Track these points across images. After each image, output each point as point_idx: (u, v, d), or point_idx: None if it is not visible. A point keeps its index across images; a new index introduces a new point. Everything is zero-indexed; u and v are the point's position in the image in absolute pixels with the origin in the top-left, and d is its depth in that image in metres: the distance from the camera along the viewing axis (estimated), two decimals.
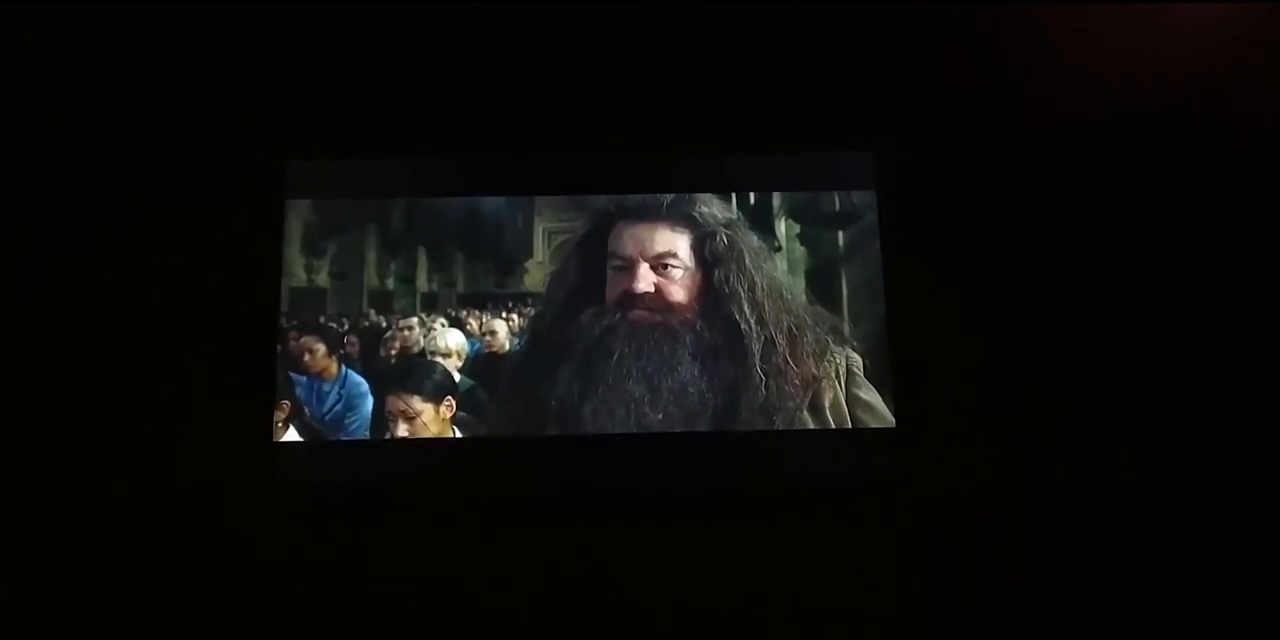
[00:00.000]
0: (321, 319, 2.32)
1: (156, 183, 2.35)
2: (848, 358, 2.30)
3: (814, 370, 2.28)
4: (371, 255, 2.37)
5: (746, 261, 2.31)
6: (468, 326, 2.33)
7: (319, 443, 2.25)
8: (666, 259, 2.31)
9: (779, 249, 2.39)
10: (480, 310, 2.34)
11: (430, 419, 2.26)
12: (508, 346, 2.33)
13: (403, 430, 2.25)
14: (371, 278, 2.36)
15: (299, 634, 2.17)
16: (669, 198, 2.35)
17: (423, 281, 2.37)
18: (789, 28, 2.48)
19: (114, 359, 2.26)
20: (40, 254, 2.30)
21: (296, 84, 2.42)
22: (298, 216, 2.36)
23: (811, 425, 2.26)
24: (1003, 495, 2.26)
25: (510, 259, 2.38)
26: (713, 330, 2.28)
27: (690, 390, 2.25)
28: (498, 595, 2.19)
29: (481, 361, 2.31)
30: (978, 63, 2.47)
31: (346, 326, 2.32)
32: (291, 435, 2.25)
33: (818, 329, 2.31)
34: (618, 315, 2.28)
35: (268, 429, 2.23)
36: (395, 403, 2.26)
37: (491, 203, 2.41)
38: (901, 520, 2.24)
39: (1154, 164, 2.42)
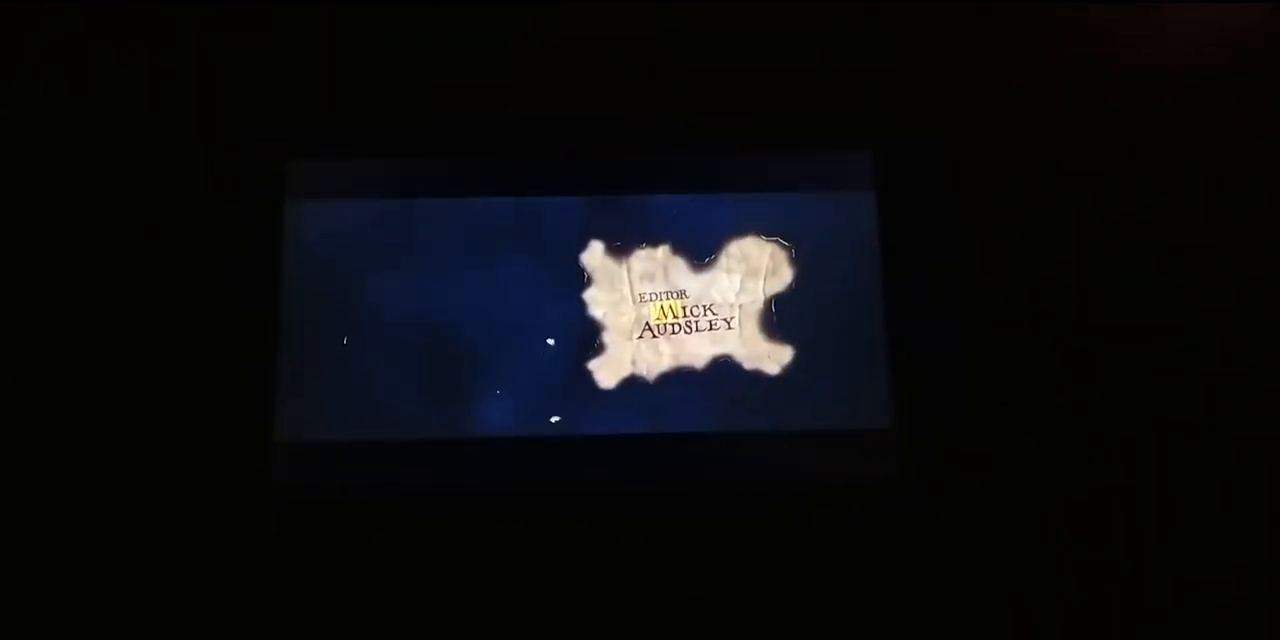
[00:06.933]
0: None
1: (156, 182, 2.35)
2: None
3: None
4: None
5: None
6: None
7: (318, 442, 2.25)
8: None
9: None
10: None
11: None
12: None
13: None
14: None
15: (299, 635, 2.17)
16: None
17: None
18: (788, 27, 2.48)
19: (112, 358, 2.26)
20: (39, 253, 2.30)
21: (296, 84, 2.42)
22: None
23: None
24: (1003, 496, 2.26)
25: None
26: None
27: None
28: (496, 596, 2.19)
29: None
30: (979, 62, 2.47)
31: None
32: None
33: None
34: None
35: (268, 429, 2.23)
36: None
37: None
38: (901, 520, 2.24)
39: (1157, 163, 2.41)
